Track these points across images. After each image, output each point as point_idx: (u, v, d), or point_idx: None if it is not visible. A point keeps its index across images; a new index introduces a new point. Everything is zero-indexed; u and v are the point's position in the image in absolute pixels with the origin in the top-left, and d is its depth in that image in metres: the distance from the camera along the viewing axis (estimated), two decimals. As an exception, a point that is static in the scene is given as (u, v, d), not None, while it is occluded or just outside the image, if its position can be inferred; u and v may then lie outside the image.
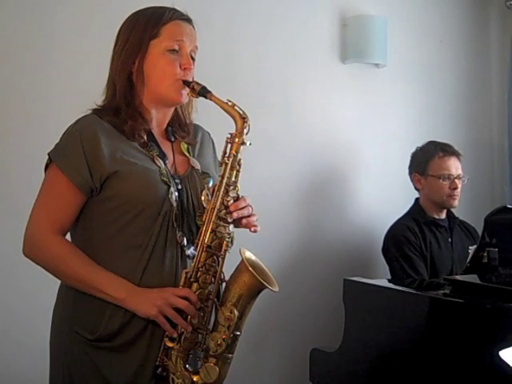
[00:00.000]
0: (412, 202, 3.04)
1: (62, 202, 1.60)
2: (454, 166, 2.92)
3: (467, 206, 3.03)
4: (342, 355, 2.29)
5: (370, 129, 3.26)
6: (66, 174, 1.58)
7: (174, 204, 1.62)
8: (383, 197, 3.24)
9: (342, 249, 3.14)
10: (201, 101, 1.72)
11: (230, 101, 1.64)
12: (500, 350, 1.82)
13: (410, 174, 3.03)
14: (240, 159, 1.65)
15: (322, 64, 3.14)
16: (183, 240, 1.64)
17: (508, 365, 1.80)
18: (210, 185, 1.72)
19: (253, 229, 1.65)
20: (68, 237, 1.67)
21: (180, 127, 1.77)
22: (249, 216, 1.64)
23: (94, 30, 2.49)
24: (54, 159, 1.61)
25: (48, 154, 1.62)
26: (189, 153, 1.76)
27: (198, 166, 1.74)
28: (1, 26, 2.39)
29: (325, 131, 3.13)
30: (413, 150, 3.04)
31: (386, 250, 2.96)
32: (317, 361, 2.44)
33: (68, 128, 1.64)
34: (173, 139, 1.75)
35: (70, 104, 2.38)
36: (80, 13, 2.50)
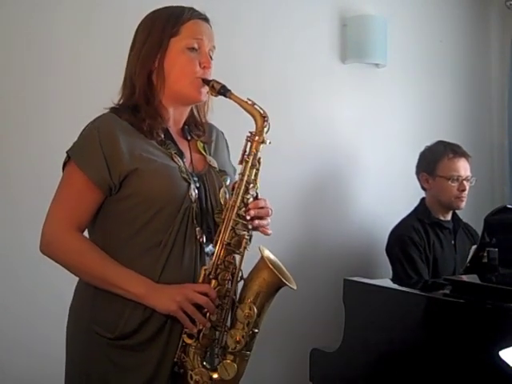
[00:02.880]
0: (413, 201, 3.03)
1: (80, 200, 1.61)
2: (463, 168, 2.91)
3: (468, 205, 3.02)
4: (341, 355, 2.29)
5: (370, 128, 3.26)
6: (85, 172, 1.59)
7: (194, 201, 1.62)
8: (384, 197, 3.24)
9: (342, 249, 3.14)
10: (215, 99, 1.73)
11: (249, 99, 1.64)
12: (500, 349, 1.82)
13: (418, 173, 3.01)
14: (260, 158, 1.65)
15: (322, 64, 3.14)
16: (203, 237, 1.64)
17: (508, 365, 1.80)
18: (228, 183, 1.72)
19: (261, 229, 1.65)
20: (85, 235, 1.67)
21: (196, 126, 1.78)
22: (262, 217, 1.63)
23: (94, 30, 2.48)
24: (73, 157, 1.61)
25: (66, 152, 1.63)
26: (205, 151, 1.77)
27: (215, 164, 1.75)
28: (0, 27, 2.38)
29: (325, 131, 3.13)
30: (413, 149, 3.04)
31: (389, 250, 2.96)
32: (317, 361, 2.44)
33: (86, 126, 1.65)
34: (189, 138, 1.76)
35: (70, 105, 2.40)
36: (80, 13, 2.49)
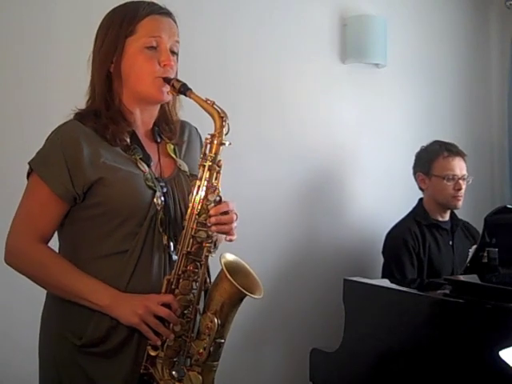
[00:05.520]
0: (412, 202, 3.03)
1: (43, 211, 1.57)
2: (459, 167, 2.90)
3: (467, 206, 3.03)
4: (341, 355, 2.29)
5: (369, 129, 3.26)
6: (47, 184, 1.55)
7: (159, 208, 1.59)
8: (383, 197, 3.24)
9: (342, 249, 3.14)
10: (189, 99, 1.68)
11: (208, 99, 1.58)
12: (500, 350, 1.82)
13: (415, 173, 3.01)
14: (220, 160, 1.59)
15: (322, 64, 3.14)
16: (170, 245, 1.61)
17: (508, 365, 1.80)
18: None
19: (228, 238, 1.60)
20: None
21: (167, 126, 1.72)
22: (224, 224, 1.57)
23: (92, 28, 2.47)
24: (35, 168, 1.58)
25: (28, 163, 1.59)
26: (175, 154, 1.72)
27: (185, 167, 1.70)
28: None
29: (324, 131, 3.13)
30: (412, 150, 3.04)
31: (383, 251, 2.98)
32: (317, 361, 2.44)
33: (49, 135, 1.61)
34: (159, 140, 1.71)
35: (67, 105, 2.39)
36: (76, 11, 2.49)
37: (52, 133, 1.61)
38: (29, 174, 1.61)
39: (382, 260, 2.97)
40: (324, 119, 3.13)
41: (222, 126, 1.57)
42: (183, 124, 1.79)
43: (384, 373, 2.15)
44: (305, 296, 3.02)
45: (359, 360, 2.24)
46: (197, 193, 1.58)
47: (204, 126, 1.68)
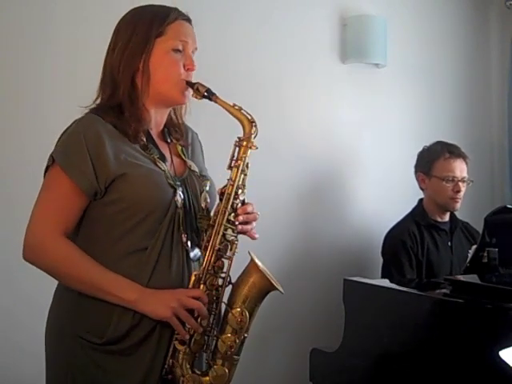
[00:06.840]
0: (412, 202, 3.03)
1: (65, 204, 1.56)
2: (459, 169, 2.89)
3: (467, 206, 3.03)
4: (341, 355, 2.29)
5: (369, 129, 3.26)
6: (71, 176, 1.55)
7: (180, 206, 1.61)
8: (383, 198, 3.24)
9: (342, 249, 3.14)
10: (195, 103, 1.71)
11: (236, 104, 1.62)
12: (500, 350, 1.82)
13: (416, 172, 3.01)
14: (248, 163, 1.64)
15: (322, 64, 3.14)
16: (187, 242, 1.63)
17: (508, 365, 1.80)
18: (208, 188, 1.70)
19: (249, 234, 1.66)
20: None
21: (174, 129, 1.76)
22: (250, 223, 1.64)
23: (90, 28, 2.47)
24: (58, 160, 1.56)
25: (51, 155, 1.58)
26: (184, 155, 1.75)
27: (195, 168, 1.73)
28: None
29: (324, 132, 3.13)
30: (413, 150, 3.04)
31: (382, 252, 2.98)
32: (317, 361, 2.44)
33: (68, 128, 1.60)
34: (169, 141, 1.73)
35: (66, 104, 2.37)
36: (76, 10, 2.49)
37: (71, 126, 1.60)
38: (47, 167, 1.60)
39: (382, 260, 2.97)
40: (324, 119, 3.13)
41: (251, 132, 1.62)
42: (186, 128, 1.82)
43: (384, 373, 2.15)
44: (305, 296, 3.02)
45: (359, 360, 2.23)
46: (229, 192, 1.62)
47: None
